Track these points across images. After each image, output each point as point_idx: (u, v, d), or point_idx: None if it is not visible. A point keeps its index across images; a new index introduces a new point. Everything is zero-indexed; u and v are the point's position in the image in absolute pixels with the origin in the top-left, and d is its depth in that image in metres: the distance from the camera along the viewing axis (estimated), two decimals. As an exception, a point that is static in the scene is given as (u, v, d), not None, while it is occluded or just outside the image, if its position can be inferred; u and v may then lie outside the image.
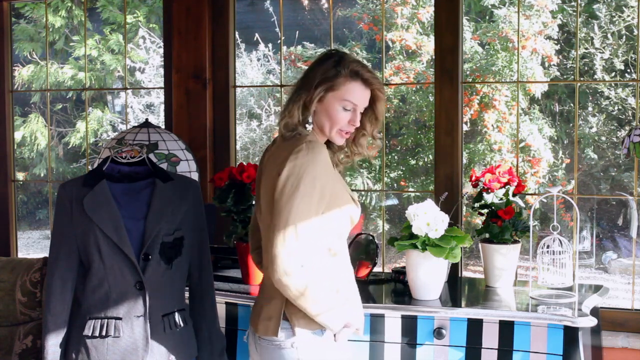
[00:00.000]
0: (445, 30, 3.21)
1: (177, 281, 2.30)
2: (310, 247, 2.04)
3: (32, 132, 9.62)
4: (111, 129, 9.45)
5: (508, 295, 2.74)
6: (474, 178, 2.93)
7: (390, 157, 7.95)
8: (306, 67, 2.23)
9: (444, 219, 2.54)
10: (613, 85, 7.81)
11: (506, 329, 2.49)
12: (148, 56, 8.78)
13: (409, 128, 7.91)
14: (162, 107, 6.74)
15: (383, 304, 2.66)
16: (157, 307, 2.23)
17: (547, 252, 2.66)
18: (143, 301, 2.20)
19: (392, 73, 7.46)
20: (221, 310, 2.66)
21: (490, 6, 7.56)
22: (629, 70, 7.67)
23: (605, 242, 8.46)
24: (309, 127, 2.19)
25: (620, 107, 7.88)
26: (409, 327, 2.56)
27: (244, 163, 2.89)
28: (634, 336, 3.01)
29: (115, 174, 2.31)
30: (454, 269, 3.02)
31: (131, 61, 8.80)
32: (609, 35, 7.71)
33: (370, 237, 2.98)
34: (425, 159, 7.73)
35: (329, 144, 2.25)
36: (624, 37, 7.73)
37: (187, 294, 2.39)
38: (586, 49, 7.76)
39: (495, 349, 2.50)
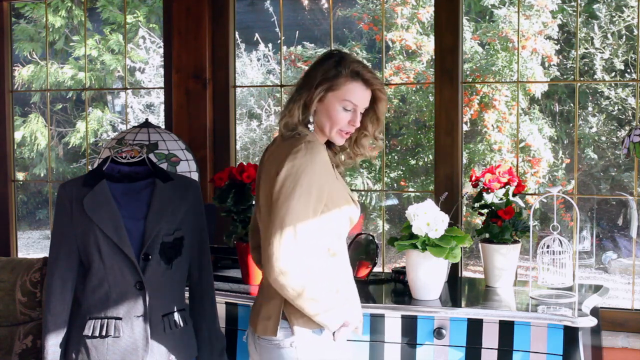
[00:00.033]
0: (445, 30, 3.21)
1: (177, 281, 2.30)
2: (308, 247, 2.04)
3: (32, 132, 9.62)
4: (111, 129, 9.45)
5: (508, 295, 2.74)
6: (474, 178, 2.93)
7: (390, 157, 7.95)
8: (306, 67, 2.23)
9: (444, 219, 2.54)
10: (613, 85, 7.81)
11: (506, 329, 2.49)
12: (148, 56, 8.78)
13: (409, 128, 7.91)
14: (162, 107, 6.74)
15: (383, 304, 2.66)
16: (157, 307, 2.23)
17: (547, 252, 2.66)
18: (143, 301, 2.20)
19: (392, 73, 7.46)
20: (221, 310, 2.67)
21: (490, 6, 7.56)
22: (629, 70, 7.67)
23: (605, 242, 8.46)
24: (311, 127, 2.19)
25: (620, 107, 7.88)
26: (409, 327, 2.56)
27: (244, 163, 2.89)
28: (634, 336, 3.01)
29: (115, 174, 2.31)
30: (454, 269, 3.02)
31: (131, 61, 8.80)
32: (609, 35, 7.71)
33: (370, 237, 2.98)
34: (425, 159, 7.73)
35: (330, 144, 2.26)
36: (624, 37, 7.73)
37: (187, 294, 2.39)
38: (586, 49, 7.76)
39: (495, 349, 2.50)
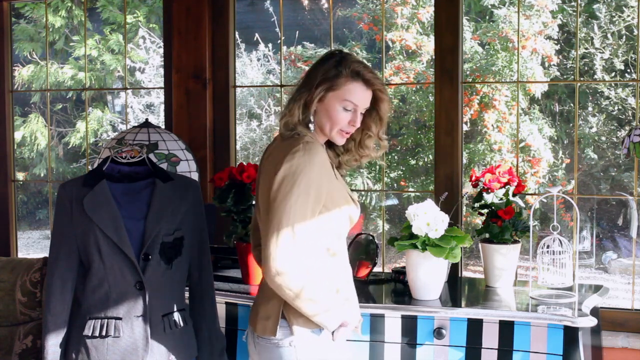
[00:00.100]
0: (445, 30, 3.21)
1: (177, 281, 2.30)
2: (306, 248, 2.04)
3: (32, 132, 9.62)
4: (111, 129, 9.45)
5: (508, 295, 2.74)
6: (474, 178, 2.93)
7: (390, 157, 7.95)
8: (306, 67, 2.23)
9: (444, 219, 2.54)
10: (613, 85, 7.81)
11: (506, 329, 2.49)
12: (148, 56, 8.78)
13: (409, 128, 7.91)
14: (162, 107, 6.74)
15: (383, 304, 2.66)
16: (157, 307, 2.23)
17: (547, 252, 2.66)
18: (143, 301, 2.20)
19: (392, 73, 7.46)
20: (221, 310, 2.67)
21: (490, 6, 7.56)
22: (629, 70, 7.67)
23: (605, 242, 8.46)
24: (311, 127, 2.19)
25: (620, 107, 7.88)
26: (409, 327, 2.56)
27: (244, 163, 2.89)
28: (634, 336, 3.01)
29: (115, 174, 2.31)
30: (454, 269, 3.02)
31: (131, 61, 8.80)
32: (609, 35, 7.72)
33: (370, 237, 2.98)
34: (425, 159, 7.73)
35: (333, 145, 2.26)
36: (624, 37, 7.73)
37: (187, 294, 2.39)
38: (586, 49, 7.76)
39: (495, 349, 2.50)
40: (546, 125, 7.68)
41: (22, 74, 9.44)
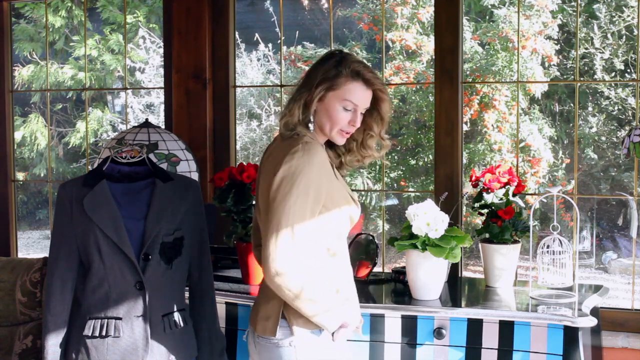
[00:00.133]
0: (445, 30, 3.21)
1: (177, 281, 2.30)
2: (306, 248, 2.04)
3: (32, 132, 9.62)
4: (111, 129, 9.45)
5: (508, 295, 2.74)
6: (474, 178, 2.93)
7: (390, 157, 7.95)
8: (306, 67, 2.24)
9: (444, 219, 2.54)
10: (613, 85, 7.81)
11: (506, 329, 2.49)
12: (148, 56, 8.78)
13: (409, 128, 7.91)
14: (162, 107, 6.74)
15: (383, 304, 2.66)
16: (157, 307, 2.23)
17: (547, 252, 2.66)
18: (143, 301, 2.20)
19: (392, 73, 7.46)
20: (221, 310, 2.66)
21: (490, 6, 7.56)
22: (629, 70, 7.67)
23: (605, 242, 8.46)
24: (311, 127, 2.19)
25: (620, 107, 7.88)
26: (409, 327, 2.56)
27: (244, 163, 2.89)
28: (634, 336, 3.01)
29: (115, 174, 2.31)
30: (454, 269, 3.02)
31: (131, 61, 8.80)
32: (609, 35, 7.71)
33: (370, 237, 2.98)
34: (425, 159, 7.73)
35: (333, 145, 2.26)
36: (624, 37, 7.73)
37: (187, 294, 2.39)
38: (586, 49, 7.76)
39: (495, 349, 2.50)
40: (546, 125, 7.68)
41: (22, 74, 9.44)
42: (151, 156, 2.98)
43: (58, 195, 2.27)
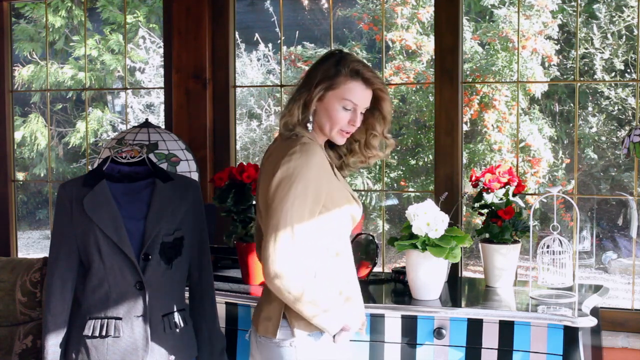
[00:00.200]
0: (445, 30, 3.21)
1: (177, 281, 2.30)
2: (306, 249, 2.04)
3: (32, 132, 9.62)
4: (111, 129, 9.45)
5: (508, 295, 2.74)
6: (474, 178, 2.93)
7: (390, 157, 7.94)
8: (306, 67, 2.23)
9: (444, 219, 2.54)
10: (613, 85, 7.81)
11: (506, 329, 2.49)
12: (148, 56, 8.78)
13: (409, 128, 7.91)
14: (162, 107, 6.74)
15: (383, 304, 2.66)
16: (157, 307, 2.23)
17: (547, 252, 2.66)
18: (143, 301, 2.20)
19: (392, 73, 7.46)
20: (221, 310, 2.66)
21: (490, 6, 7.56)
22: (629, 70, 7.67)
23: (605, 242, 8.46)
24: (309, 127, 2.19)
25: (620, 107, 7.88)
26: (409, 327, 2.56)
27: (244, 163, 2.89)
28: (634, 336, 3.01)
29: (115, 174, 2.31)
30: (454, 269, 3.02)
31: (131, 61, 8.80)
32: (609, 35, 7.72)
33: (370, 237, 2.98)
34: (425, 159, 7.73)
35: (335, 146, 2.26)
36: (624, 37, 7.73)
37: (187, 294, 2.39)
38: (586, 49, 7.76)
39: (495, 349, 2.50)
40: (546, 125, 7.68)
41: (22, 74, 9.44)
42: (151, 156, 2.98)
43: (58, 195, 2.27)
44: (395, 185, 7.97)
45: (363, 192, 7.64)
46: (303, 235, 2.02)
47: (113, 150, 2.33)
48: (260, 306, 2.20)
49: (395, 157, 7.97)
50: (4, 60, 3.97)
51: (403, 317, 2.57)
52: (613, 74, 7.74)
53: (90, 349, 2.19)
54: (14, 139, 4.11)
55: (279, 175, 2.04)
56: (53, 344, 2.22)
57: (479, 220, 3.88)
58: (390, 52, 7.62)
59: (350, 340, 2.34)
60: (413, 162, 7.83)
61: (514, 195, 2.88)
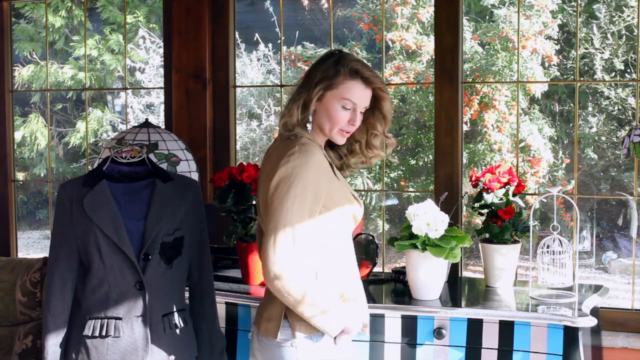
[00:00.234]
0: (445, 30, 3.21)
1: (177, 281, 2.30)
2: (306, 250, 2.03)
3: (32, 132, 9.62)
4: (111, 129, 9.45)
5: (508, 295, 2.74)
6: (474, 178, 2.93)
7: (391, 156, 7.93)
8: (306, 67, 2.23)
9: (444, 219, 2.54)
10: (613, 85, 7.81)
11: (506, 329, 2.49)
12: (148, 56, 8.78)
13: (409, 128, 7.91)
14: (162, 107, 6.74)
15: (383, 304, 2.66)
16: (157, 307, 2.23)
17: (547, 252, 2.66)
18: (143, 301, 2.20)
19: (392, 73, 7.46)
20: (221, 310, 2.66)
21: (490, 6, 7.56)
22: (629, 70, 7.67)
23: (605, 242, 8.46)
24: (309, 127, 2.19)
25: (620, 107, 7.88)
26: (409, 327, 2.56)
27: (244, 163, 2.89)
28: (634, 336, 3.01)
29: (115, 174, 2.31)
30: (454, 269, 3.02)
31: (131, 61, 8.80)
32: (608, 35, 7.71)
33: (370, 237, 2.98)
34: (425, 159, 7.73)
35: (335, 147, 2.26)
36: (624, 37, 7.73)
37: (187, 294, 2.39)
38: (586, 49, 7.76)
39: (495, 349, 2.50)
40: (546, 125, 7.68)
41: (22, 74, 9.44)
42: (151, 156, 2.98)
43: (58, 195, 2.27)
44: (395, 185, 7.97)
45: (363, 192, 7.63)
46: (303, 235, 2.02)
47: (113, 150, 2.33)
48: (263, 307, 2.20)
49: (396, 157, 7.97)
50: (4, 60, 3.97)
51: (403, 317, 2.57)
52: (613, 74, 7.74)
53: (90, 349, 2.19)
54: (14, 139, 4.11)
55: (278, 176, 2.04)
56: (53, 344, 2.22)
57: (479, 220, 3.88)
58: (390, 52, 7.62)
59: (352, 340, 2.35)
60: (413, 162, 7.83)
61: (514, 195, 2.88)
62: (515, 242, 2.85)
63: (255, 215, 2.86)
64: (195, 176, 3.09)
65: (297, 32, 8.25)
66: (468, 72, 7.21)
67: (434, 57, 3.28)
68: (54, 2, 9.45)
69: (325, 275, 2.11)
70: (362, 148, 2.27)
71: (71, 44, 9.60)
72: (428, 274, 2.60)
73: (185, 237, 2.29)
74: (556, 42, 7.61)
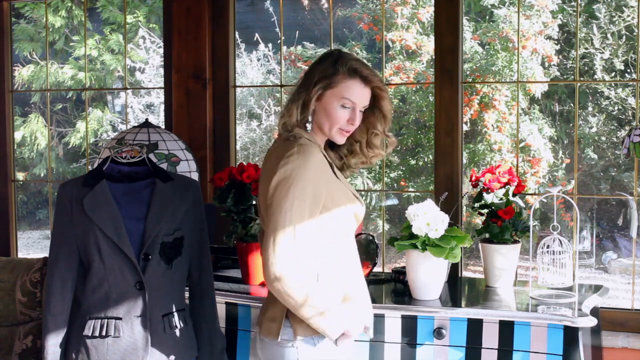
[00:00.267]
0: (445, 30, 3.21)
1: (177, 281, 2.30)
2: (306, 251, 2.03)
3: (32, 132, 9.62)
4: (111, 129, 9.45)
5: (508, 295, 2.74)
6: (474, 178, 2.93)
7: (391, 155, 7.94)
8: (306, 67, 2.23)
9: (444, 219, 2.54)
10: (613, 85, 7.81)
11: (506, 329, 2.49)
12: (148, 56, 8.78)
13: (409, 128, 7.92)
14: (162, 107, 6.74)
15: (383, 304, 2.66)
16: (157, 307, 2.23)
17: (547, 252, 2.66)
18: (143, 301, 2.20)
19: (392, 73, 7.47)
20: (221, 310, 2.66)
21: (490, 6, 7.56)
22: (629, 70, 7.67)
23: (605, 242, 8.46)
24: (308, 127, 2.19)
25: (620, 107, 7.88)
26: (409, 327, 2.56)
27: (244, 163, 2.89)
28: (634, 336, 3.01)
29: (115, 174, 2.31)
30: (454, 269, 3.02)
31: (131, 61, 8.80)
32: (608, 35, 7.72)
33: (370, 237, 2.98)
34: (425, 159, 7.73)
35: (335, 147, 2.25)
36: (624, 37, 7.73)
37: (187, 294, 2.39)
38: (586, 49, 7.76)
39: (495, 349, 2.50)
40: (546, 125, 7.68)
41: (22, 74, 9.44)
42: (151, 156, 2.98)
43: (58, 195, 2.27)
44: (395, 185, 7.97)
45: (363, 192, 7.64)
46: (303, 236, 2.02)
47: (113, 150, 2.33)
48: (265, 307, 2.20)
49: (396, 157, 7.97)
50: (4, 60, 3.97)
51: (403, 317, 2.57)
52: (613, 74, 7.74)
53: (90, 349, 2.19)
54: (14, 139, 4.11)
55: (276, 178, 2.04)
56: (53, 344, 2.22)
57: (479, 220, 3.88)
58: (390, 52, 7.62)
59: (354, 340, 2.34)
60: (413, 162, 7.83)
61: (514, 195, 2.88)
62: (515, 242, 2.85)
63: (256, 215, 2.86)
64: (195, 176, 3.09)
65: (297, 32, 8.25)
66: (468, 72, 7.21)
67: (434, 57, 3.28)
68: (54, 2, 9.45)
69: (326, 276, 2.11)
70: (363, 148, 2.26)
71: (71, 44, 9.60)
72: (428, 274, 2.60)
73: (185, 237, 2.29)
74: (556, 42, 7.61)
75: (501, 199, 2.87)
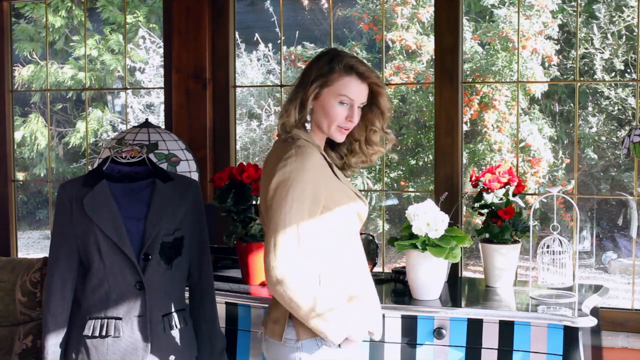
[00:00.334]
0: (445, 30, 3.21)
1: (177, 281, 2.30)
2: (307, 252, 2.03)
3: (32, 132, 9.62)
4: (111, 129, 9.45)
5: (508, 295, 2.74)
6: (474, 178, 2.93)
7: (390, 157, 7.95)
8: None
9: (444, 219, 2.54)
10: (613, 85, 7.81)
11: (506, 329, 2.49)
12: (148, 56, 8.78)
13: (409, 128, 7.92)
14: (162, 107, 6.74)
15: (383, 304, 2.66)
16: (157, 307, 2.23)
17: (547, 252, 2.66)
18: (143, 301, 2.20)
19: (392, 73, 7.47)
20: (221, 310, 2.67)
21: (490, 6, 7.56)
22: (629, 70, 7.67)
23: (605, 242, 8.46)
24: (308, 127, 2.19)
25: (620, 107, 7.88)
26: (409, 327, 2.56)
27: (244, 163, 2.89)
28: (634, 336, 3.01)
29: (115, 174, 2.31)
30: (454, 269, 3.02)
31: (131, 61, 8.80)
32: (608, 35, 7.72)
33: (370, 237, 2.98)
34: (425, 159, 7.73)
35: (335, 147, 2.25)
36: (624, 37, 7.73)
37: (187, 294, 2.39)
38: (586, 49, 7.76)
39: (495, 349, 2.50)
40: (546, 125, 7.68)
41: (22, 74, 9.44)
42: (151, 156, 2.98)
43: (58, 195, 2.27)
44: (395, 185, 7.97)
45: (363, 192, 7.64)
46: (303, 238, 2.02)
47: (113, 150, 2.33)
48: (270, 307, 2.20)
49: (396, 156, 7.97)
50: (4, 60, 3.97)
51: (403, 317, 2.57)
52: (613, 74, 7.74)
53: (90, 349, 2.19)
54: (14, 139, 4.11)
55: (275, 180, 2.04)
56: (53, 344, 2.22)
57: (479, 220, 3.88)
58: (390, 52, 7.62)
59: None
60: (413, 162, 7.83)
61: (514, 195, 2.88)
62: (515, 242, 2.85)
63: (256, 215, 2.86)
64: (195, 176, 3.10)
65: (297, 32, 8.25)
66: (468, 72, 7.21)
67: (434, 57, 3.28)
68: (54, 2, 9.45)
69: (329, 277, 2.10)
70: (362, 146, 2.26)
71: (71, 44, 9.60)
72: (428, 274, 2.60)
73: (185, 237, 2.29)
74: (556, 42, 7.62)
75: (501, 199, 2.87)
